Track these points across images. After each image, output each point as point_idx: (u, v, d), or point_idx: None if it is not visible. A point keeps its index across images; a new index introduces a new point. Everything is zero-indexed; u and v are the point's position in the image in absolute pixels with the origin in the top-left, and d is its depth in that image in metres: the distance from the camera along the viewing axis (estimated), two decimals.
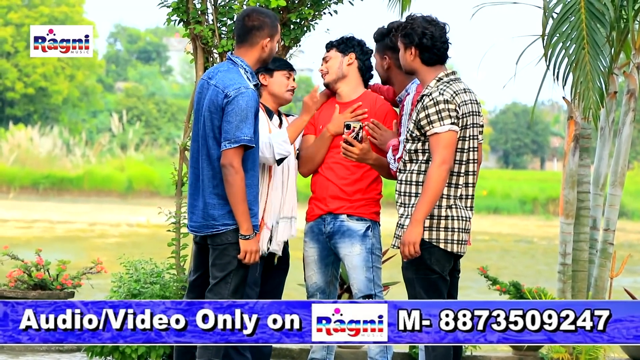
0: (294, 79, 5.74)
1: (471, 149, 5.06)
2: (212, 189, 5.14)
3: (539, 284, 8.50)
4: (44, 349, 7.34)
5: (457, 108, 4.97)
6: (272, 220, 5.61)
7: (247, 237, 5.08)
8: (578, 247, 7.06)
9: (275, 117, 5.68)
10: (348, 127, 5.26)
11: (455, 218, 5.00)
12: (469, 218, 5.07)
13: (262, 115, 5.57)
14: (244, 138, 5.02)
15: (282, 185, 5.63)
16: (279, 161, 5.56)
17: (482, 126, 5.16)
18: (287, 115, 5.83)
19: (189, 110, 6.67)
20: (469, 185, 5.06)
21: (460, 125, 5.00)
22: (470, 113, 5.03)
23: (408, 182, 5.07)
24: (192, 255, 5.52)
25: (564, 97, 6.69)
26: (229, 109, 5.05)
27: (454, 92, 5.00)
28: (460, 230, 5.03)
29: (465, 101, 5.01)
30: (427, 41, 5.09)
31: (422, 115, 4.99)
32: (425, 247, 4.99)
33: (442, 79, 5.07)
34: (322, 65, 5.67)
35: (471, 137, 5.05)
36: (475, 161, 5.11)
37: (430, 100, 4.99)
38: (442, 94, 4.98)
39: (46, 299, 7.25)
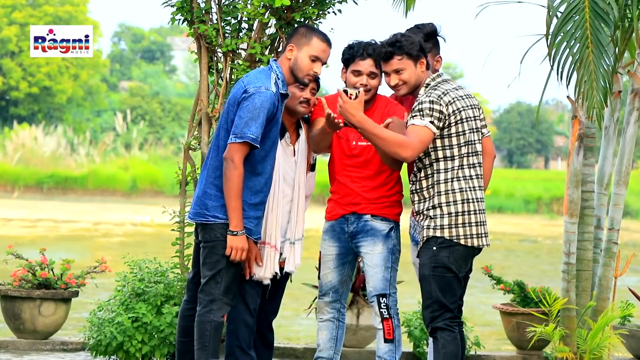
0: (312, 90, 5.52)
1: (475, 142, 5.17)
2: (213, 179, 5.18)
3: (543, 283, 8.51)
4: (48, 347, 7.35)
5: (445, 108, 5.08)
6: (280, 241, 5.55)
7: (235, 233, 5.10)
8: (582, 246, 7.05)
9: (289, 135, 5.56)
10: (346, 92, 5.13)
11: (472, 212, 5.14)
12: (483, 210, 5.17)
13: None
14: (249, 136, 5.04)
15: (292, 204, 5.58)
16: None
17: (483, 119, 5.27)
18: (306, 122, 5.72)
19: (193, 109, 6.67)
20: (477, 176, 5.16)
21: (450, 121, 5.12)
22: (464, 107, 5.14)
23: (419, 190, 5.24)
24: (193, 254, 5.54)
25: (568, 97, 6.68)
26: (244, 104, 5.09)
27: (442, 93, 5.16)
28: (479, 223, 5.14)
29: (454, 98, 5.14)
30: (426, 50, 5.31)
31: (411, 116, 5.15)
32: (446, 245, 5.08)
33: (429, 84, 5.25)
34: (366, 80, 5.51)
35: (472, 130, 5.15)
36: (479, 153, 5.21)
37: (418, 103, 5.16)
38: (429, 96, 5.13)
39: (50, 298, 7.27)
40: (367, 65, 5.49)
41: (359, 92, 5.13)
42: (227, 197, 5.08)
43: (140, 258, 6.78)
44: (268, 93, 5.09)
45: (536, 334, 6.77)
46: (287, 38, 5.33)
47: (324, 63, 5.31)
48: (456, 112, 5.12)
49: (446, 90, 5.15)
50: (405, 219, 5.50)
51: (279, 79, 5.20)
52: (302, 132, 5.64)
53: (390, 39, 5.27)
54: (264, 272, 5.45)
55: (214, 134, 5.34)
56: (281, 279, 5.65)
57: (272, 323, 5.78)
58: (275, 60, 5.34)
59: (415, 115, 5.08)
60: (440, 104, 5.08)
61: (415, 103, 5.15)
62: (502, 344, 9.38)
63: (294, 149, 5.58)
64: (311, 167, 5.70)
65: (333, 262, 5.67)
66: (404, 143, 5.02)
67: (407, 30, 5.50)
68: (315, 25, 6.45)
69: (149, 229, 23.04)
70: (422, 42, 5.27)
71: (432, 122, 5.06)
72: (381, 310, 5.53)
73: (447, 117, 5.09)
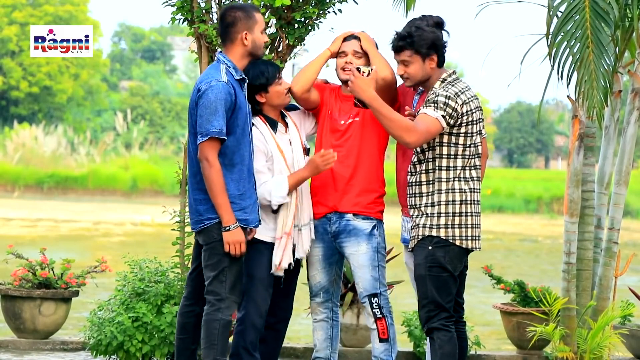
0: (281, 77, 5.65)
1: (478, 145, 5.18)
2: (196, 185, 5.21)
3: (544, 283, 8.50)
4: (48, 347, 7.34)
5: (460, 106, 5.06)
6: (292, 228, 5.56)
7: (228, 228, 5.11)
8: (582, 246, 7.05)
9: (280, 125, 5.62)
10: (358, 70, 5.12)
11: (469, 214, 5.14)
12: (479, 213, 5.17)
13: (266, 129, 5.53)
14: (213, 130, 5.06)
15: (296, 193, 5.58)
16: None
17: (483, 121, 5.30)
18: (288, 110, 5.80)
19: None
20: (478, 179, 5.18)
21: (462, 121, 5.11)
22: (477, 108, 5.15)
23: (417, 184, 5.21)
24: (193, 250, 5.55)
25: (568, 96, 6.68)
26: (200, 102, 5.13)
27: (459, 91, 5.11)
28: (474, 226, 5.15)
29: (469, 98, 5.12)
30: (441, 44, 5.22)
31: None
32: (442, 244, 5.08)
33: (445, 79, 5.19)
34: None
35: (477, 133, 5.17)
36: (479, 155, 5.21)
37: (434, 94, 5.10)
38: (446, 91, 5.08)
39: (50, 298, 7.27)
40: (351, 45, 5.57)
41: (371, 69, 5.12)
42: (211, 196, 5.10)
43: (140, 258, 6.79)
44: (219, 84, 5.10)
45: (536, 333, 6.77)
46: (231, 27, 5.24)
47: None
48: (469, 112, 5.10)
49: (462, 89, 5.13)
50: (389, 218, 5.48)
51: (229, 67, 5.22)
52: (289, 120, 5.68)
53: (404, 31, 5.19)
54: (284, 262, 5.49)
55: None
56: (294, 275, 5.67)
57: (289, 320, 5.77)
58: (220, 52, 5.33)
59: (430, 106, 5.06)
60: (456, 102, 5.06)
61: (431, 94, 5.11)
62: (502, 344, 9.38)
63: (289, 138, 5.61)
64: (307, 152, 5.71)
65: (320, 263, 5.67)
66: (410, 127, 4.98)
67: (414, 19, 5.30)
68: (315, 25, 6.45)
69: (149, 228, 23.04)
70: (436, 39, 5.18)
71: (443, 117, 5.03)
72: (374, 310, 5.51)
73: (459, 116, 5.07)
